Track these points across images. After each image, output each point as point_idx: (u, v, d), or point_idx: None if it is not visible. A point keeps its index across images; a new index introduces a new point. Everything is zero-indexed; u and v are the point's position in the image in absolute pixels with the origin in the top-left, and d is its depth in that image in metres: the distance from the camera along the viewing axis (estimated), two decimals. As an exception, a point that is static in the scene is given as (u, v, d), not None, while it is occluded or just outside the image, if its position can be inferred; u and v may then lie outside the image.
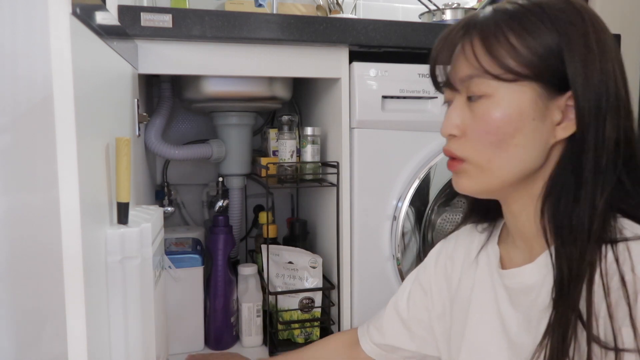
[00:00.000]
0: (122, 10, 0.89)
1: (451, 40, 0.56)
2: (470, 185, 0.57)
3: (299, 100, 1.39)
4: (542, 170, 0.55)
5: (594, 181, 0.51)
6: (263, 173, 1.12)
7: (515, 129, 0.52)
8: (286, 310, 1.10)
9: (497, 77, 0.52)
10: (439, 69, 0.58)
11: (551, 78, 0.51)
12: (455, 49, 0.56)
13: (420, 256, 1.07)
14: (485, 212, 0.67)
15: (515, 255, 0.61)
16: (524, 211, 0.57)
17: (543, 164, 0.55)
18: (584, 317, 0.49)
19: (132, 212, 0.67)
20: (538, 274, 0.56)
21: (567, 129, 0.53)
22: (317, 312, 1.11)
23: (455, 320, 0.68)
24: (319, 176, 1.12)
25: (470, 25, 0.55)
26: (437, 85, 0.60)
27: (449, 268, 0.71)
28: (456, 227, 0.73)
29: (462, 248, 0.70)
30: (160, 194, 1.35)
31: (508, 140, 0.53)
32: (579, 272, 0.49)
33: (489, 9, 0.55)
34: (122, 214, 0.61)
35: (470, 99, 0.55)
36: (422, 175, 1.05)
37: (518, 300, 0.59)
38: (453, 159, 0.58)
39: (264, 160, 1.19)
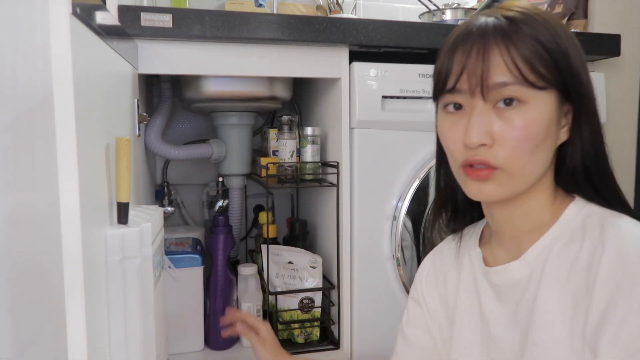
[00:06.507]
0: (122, 10, 0.89)
1: (483, 46, 0.55)
2: (499, 192, 0.58)
3: (299, 100, 1.39)
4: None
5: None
6: (263, 173, 1.12)
7: (546, 135, 0.56)
8: (286, 310, 1.10)
9: (533, 85, 0.54)
10: (453, 75, 0.57)
11: (564, 86, 0.56)
12: (490, 56, 0.55)
13: (420, 256, 1.07)
14: (470, 218, 0.72)
15: (500, 255, 0.65)
16: (537, 203, 0.60)
17: None
18: None
19: (132, 212, 0.67)
20: (525, 269, 0.60)
21: (568, 132, 0.59)
22: (317, 312, 1.11)
23: (444, 327, 0.71)
24: (319, 176, 1.12)
25: (503, 32, 0.55)
26: (444, 91, 0.59)
27: (441, 280, 0.73)
28: (449, 235, 0.75)
29: (448, 258, 0.73)
30: (160, 194, 1.35)
31: (540, 145, 0.56)
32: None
33: (511, 13, 0.56)
34: (122, 214, 0.61)
35: (496, 105, 0.56)
36: (422, 175, 1.05)
37: (504, 295, 0.62)
38: (480, 168, 0.57)
39: (264, 160, 1.19)
